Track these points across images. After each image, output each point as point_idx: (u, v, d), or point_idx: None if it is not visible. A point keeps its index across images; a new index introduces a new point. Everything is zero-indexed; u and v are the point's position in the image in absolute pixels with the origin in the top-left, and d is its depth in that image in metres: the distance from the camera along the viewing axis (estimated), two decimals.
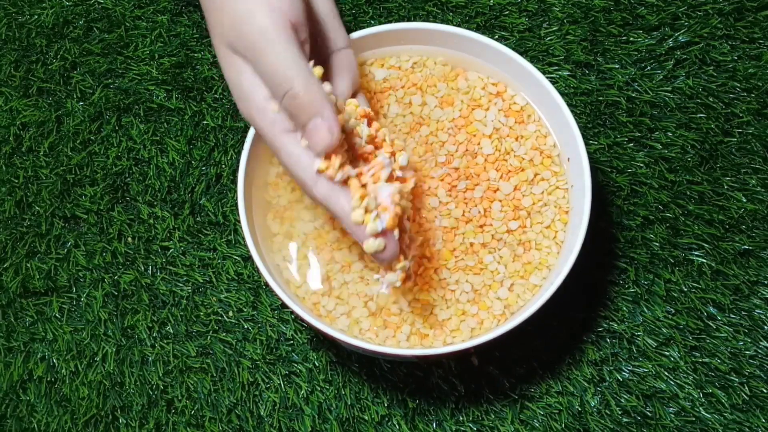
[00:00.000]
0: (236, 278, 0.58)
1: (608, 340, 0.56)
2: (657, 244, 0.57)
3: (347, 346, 0.52)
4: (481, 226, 0.51)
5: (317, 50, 0.48)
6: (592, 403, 0.55)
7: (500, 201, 0.52)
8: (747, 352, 0.55)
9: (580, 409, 0.55)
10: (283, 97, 0.43)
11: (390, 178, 0.45)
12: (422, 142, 0.53)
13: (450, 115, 0.53)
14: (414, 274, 0.50)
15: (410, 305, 0.50)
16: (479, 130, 0.53)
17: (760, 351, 0.55)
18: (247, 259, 0.59)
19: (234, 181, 0.61)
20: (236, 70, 0.44)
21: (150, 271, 0.59)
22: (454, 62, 0.54)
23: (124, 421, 0.57)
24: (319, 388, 0.56)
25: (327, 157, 0.43)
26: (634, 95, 0.60)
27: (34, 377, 0.58)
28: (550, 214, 0.52)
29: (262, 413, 0.56)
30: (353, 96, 0.50)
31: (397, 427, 0.55)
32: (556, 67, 0.61)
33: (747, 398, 0.54)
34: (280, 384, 0.56)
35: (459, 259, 0.51)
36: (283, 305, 0.57)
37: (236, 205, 0.60)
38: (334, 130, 0.42)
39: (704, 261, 0.57)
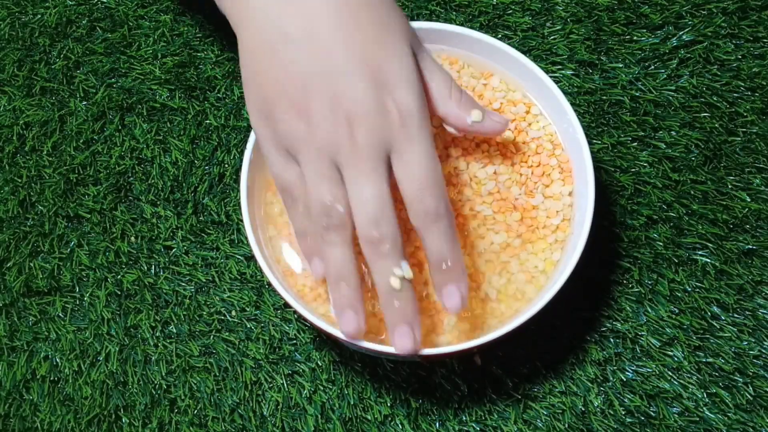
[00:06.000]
0: (239, 278, 0.58)
1: (612, 340, 0.56)
2: (661, 244, 0.57)
3: (350, 346, 0.52)
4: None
5: None
6: (596, 403, 0.54)
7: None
8: (751, 352, 0.55)
9: (583, 409, 0.54)
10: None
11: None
12: None
13: None
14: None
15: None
16: None
17: (764, 351, 0.55)
18: (250, 258, 0.59)
19: (237, 181, 0.61)
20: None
21: (153, 271, 0.59)
22: (456, 61, 0.54)
23: (127, 421, 0.57)
24: (322, 388, 0.56)
25: None
26: (637, 94, 0.60)
27: (37, 376, 0.58)
28: (552, 212, 0.51)
29: (265, 413, 0.56)
30: None
31: (400, 426, 0.55)
32: (560, 66, 0.61)
33: (751, 398, 0.54)
34: (283, 383, 0.56)
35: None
36: (286, 305, 0.57)
37: (239, 204, 0.60)
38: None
39: (708, 261, 0.57)
